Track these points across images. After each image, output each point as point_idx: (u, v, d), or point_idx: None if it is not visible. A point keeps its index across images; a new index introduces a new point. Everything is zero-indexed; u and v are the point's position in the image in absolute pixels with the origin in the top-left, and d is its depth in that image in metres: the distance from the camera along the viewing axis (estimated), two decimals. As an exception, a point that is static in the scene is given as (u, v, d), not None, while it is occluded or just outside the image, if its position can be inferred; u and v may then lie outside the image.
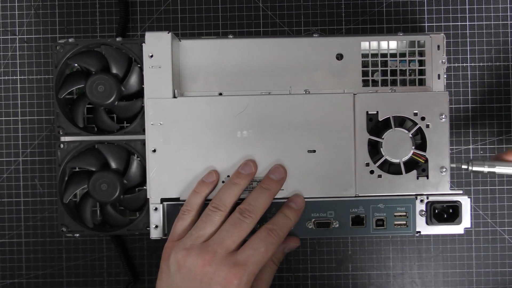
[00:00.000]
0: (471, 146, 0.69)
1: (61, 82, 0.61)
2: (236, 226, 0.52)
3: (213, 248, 0.51)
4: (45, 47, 0.70)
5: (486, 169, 0.57)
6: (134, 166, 0.61)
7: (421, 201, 0.57)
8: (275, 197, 0.56)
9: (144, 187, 0.60)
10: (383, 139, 0.57)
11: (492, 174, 0.57)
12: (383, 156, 0.57)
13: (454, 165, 0.58)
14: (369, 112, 0.57)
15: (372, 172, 0.57)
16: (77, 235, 0.61)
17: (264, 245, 0.52)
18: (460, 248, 0.69)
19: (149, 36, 0.58)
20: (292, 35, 0.69)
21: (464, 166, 0.57)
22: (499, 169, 0.57)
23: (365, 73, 0.61)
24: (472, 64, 0.69)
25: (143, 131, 0.58)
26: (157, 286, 0.53)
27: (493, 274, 0.69)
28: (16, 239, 0.70)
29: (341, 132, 0.57)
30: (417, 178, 0.57)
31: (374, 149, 0.58)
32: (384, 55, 0.62)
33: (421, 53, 0.61)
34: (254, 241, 0.52)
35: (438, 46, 0.61)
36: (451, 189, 0.57)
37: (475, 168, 0.57)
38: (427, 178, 0.57)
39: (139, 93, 0.60)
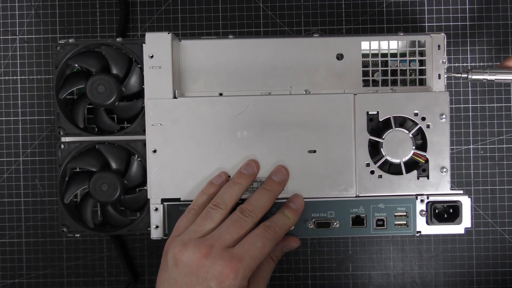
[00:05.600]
0: (471, 146, 0.69)
1: (61, 82, 0.61)
2: (236, 224, 0.53)
3: (210, 242, 0.51)
4: (45, 47, 0.70)
5: (486, 76, 0.56)
6: (135, 166, 0.61)
7: (422, 201, 0.57)
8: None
9: (145, 188, 0.60)
10: (383, 139, 0.57)
11: (491, 82, 0.56)
12: (383, 156, 0.57)
13: (453, 75, 0.59)
14: (369, 112, 0.57)
15: (372, 172, 0.57)
16: (78, 235, 0.61)
17: (261, 241, 0.52)
18: (460, 248, 0.69)
19: (149, 36, 0.58)
20: (292, 35, 0.69)
21: (463, 75, 0.57)
22: (500, 76, 0.56)
23: (365, 73, 0.61)
24: (472, 64, 0.69)
25: (143, 132, 0.58)
26: (157, 281, 0.54)
27: (494, 274, 0.69)
28: (17, 239, 0.70)
29: (342, 132, 0.57)
30: (418, 178, 0.57)
31: (374, 149, 0.58)
32: (384, 55, 0.62)
33: (422, 53, 0.61)
34: (251, 236, 0.52)
35: (439, 46, 0.61)
36: (451, 189, 0.57)
37: (474, 76, 0.57)
38: (428, 178, 0.57)
39: (140, 94, 0.60)
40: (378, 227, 0.57)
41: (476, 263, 0.70)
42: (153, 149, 0.57)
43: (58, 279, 0.70)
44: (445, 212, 0.58)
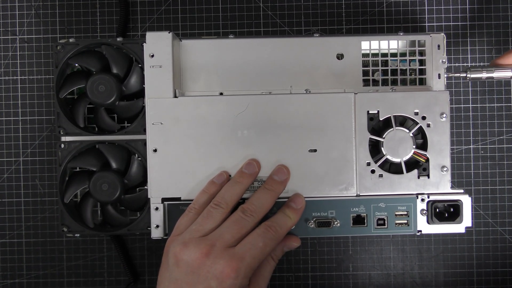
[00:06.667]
0: (471, 146, 0.69)
1: (61, 82, 0.61)
2: (237, 224, 0.52)
3: (211, 242, 0.51)
4: (46, 47, 0.70)
5: (484, 74, 0.57)
6: (135, 166, 0.61)
7: (422, 200, 0.57)
8: (275, 196, 0.56)
9: (145, 187, 0.60)
10: (384, 138, 0.57)
11: (490, 80, 0.57)
12: (384, 155, 0.57)
13: (452, 75, 0.59)
14: (369, 112, 0.57)
15: (373, 171, 0.57)
16: (78, 235, 0.61)
17: (263, 240, 0.52)
18: (460, 248, 0.69)
19: (150, 35, 0.58)
20: (292, 35, 0.69)
21: (462, 74, 0.58)
22: (498, 73, 0.57)
23: (365, 73, 0.61)
24: (472, 64, 0.69)
25: (144, 131, 0.58)
26: (157, 280, 0.53)
27: (494, 274, 0.69)
28: (17, 239, 0.70)
29: (342, 131, 0.57)
30: (418, 178, 0.57)
31: (375, 149, 0.58)
32: (384, 55, 0.62)
33: (422, 53, 0.61)
34: (252, 236, 0.52)
35: (439, 46, 0.61)
36: (451, 189, 0.57)
37: (473, 75, 0.57)
38: (428, 177, 0.57)
39: (140, 93, 0.60)
40: (379, 226, 0.57)
41: (476, 263, 0.70)
42: (154, 149, 0.57)
43: (58, 279, 0.70)
44: (446, 211, 0.58)
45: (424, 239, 0.70)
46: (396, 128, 0.57)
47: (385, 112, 0.57)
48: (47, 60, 0.70)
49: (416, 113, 0.57)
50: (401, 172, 0.57)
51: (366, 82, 0.61)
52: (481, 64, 0.69)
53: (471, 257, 0.69)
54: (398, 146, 0.57)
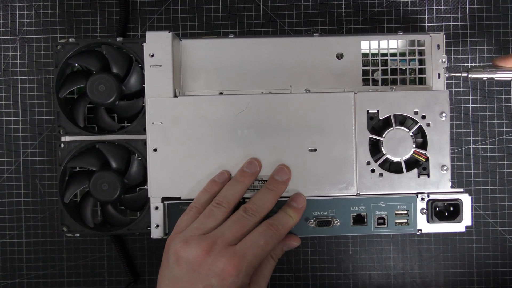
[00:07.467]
0: (471, 146, 0.69)
1: (61, 81, 0.61)
2: (239, 223, 0.52)
3: (212, 239, 0.51)
4: (46, 47, 0.70)
5: (485, 75, 0.57)
6: (135, 165, 0.61)
7: (422, 199, 0.57)
8: (276, 195, 0.56)
9: (145, 187, 0.60)
10: (384, 137, 0.57)
11: (491, 81, 0.57)
12: (384, 154, 0.57)
13: (453, 74, 0.59)
14: (369, 111, 0.57)
15: (373, 170, 0.57)
16: (78, 235, 0.61)
17: (264, 239, 0.52)
18: (460, 248, 0.69)
19: (150, 35, 0.58)
20: (292, 35, 0.69)
21: (464, 74, 0.58)
22: (499, 75, 0.57)
23: (365, 72, 0.61)
24: (472, 64, 0.70)
25: (144, 131, 0.58)
26: (158, 279, 0.53)
27: (494, 274, 0.69)
28: (17, 239, 0.70)
29: (342, 130, 0.57)
30: (418, 177, 0.57)
31: (375, 148, 0.58)
32: (384, 55, 0.62)
33: (421, 52, 0.61)
34: (254, 234, 0.52)
35: (438, 46, 0.61)
36: (451, 188, 0.57)
37: (474, 75, 0.57)
38: (428, 176, 0.57)
39: (140, 93, 0.60)
40: (379, 226, 0.57)
41: (476, 263, 0.69)
42: (154, 148, 0.57)
43: (58, 279, 0.70)
44: (446, 210, 0.58)
45: (424, 239, 0.70)
46: (396, 127, 0.57)
47: (385, 112, 0.57)
48: (47, 60, 0.70)
49: (416, 113, 0.57)
50: (401, 171, 0.57)
51: (366, 82, 0.61)
52: (482, 64, 0.69)
53: (471, 257, 0.69)
54: (398, 145, 0.57)
